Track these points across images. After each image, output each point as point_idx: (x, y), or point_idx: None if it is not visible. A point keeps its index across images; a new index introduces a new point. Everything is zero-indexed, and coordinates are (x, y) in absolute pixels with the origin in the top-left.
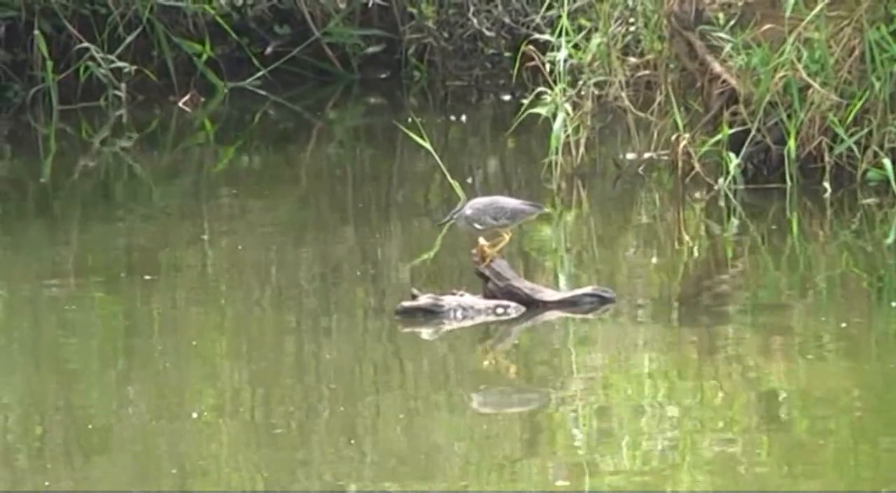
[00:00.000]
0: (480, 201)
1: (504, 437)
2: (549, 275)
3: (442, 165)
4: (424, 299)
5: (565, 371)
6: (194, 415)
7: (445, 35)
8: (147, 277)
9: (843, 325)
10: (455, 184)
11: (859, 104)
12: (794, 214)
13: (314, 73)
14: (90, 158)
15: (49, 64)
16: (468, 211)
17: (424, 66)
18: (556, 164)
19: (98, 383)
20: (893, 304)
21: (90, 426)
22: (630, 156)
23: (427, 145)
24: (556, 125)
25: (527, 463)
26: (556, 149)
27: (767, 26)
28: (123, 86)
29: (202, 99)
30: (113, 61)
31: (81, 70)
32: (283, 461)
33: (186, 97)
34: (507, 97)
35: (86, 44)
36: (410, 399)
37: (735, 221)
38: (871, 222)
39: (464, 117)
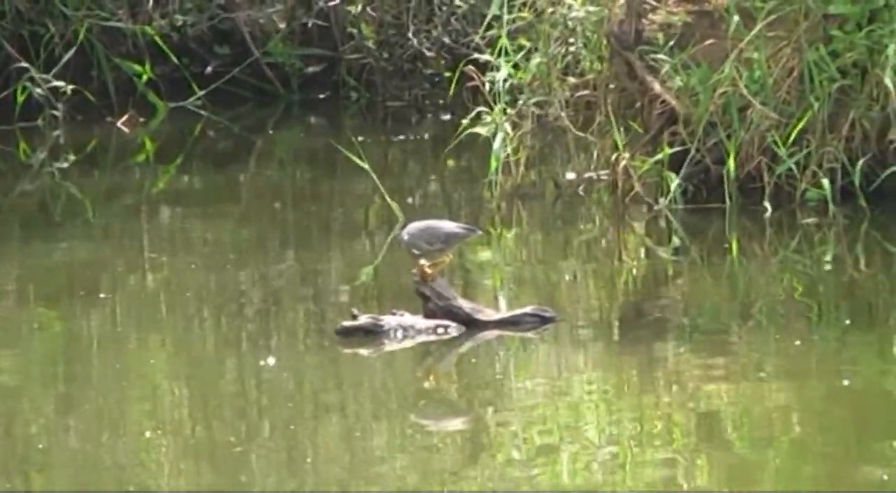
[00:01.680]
0: (415, 226)
1: (444, 455)
2: (490, 295)
3: (381, 187)
4: (364, 319)
5: (505, 390)
6: (147, 434)
7: (385, 55)
8: (88, 297)
9: (784, 344)
10: (394, 205)
11: (799, 124)
12: (734, 233)
13: (254, 93)
14: (28, 179)
15: None
16: (405, 236)
17: (363, 86)
18: (496, 183)
19: (38, 404)
20: (847, 321)
21: (40, 446)
22: (570, 175)
23: (366, 166)
24: (496, 145)
25: (466, 480)
26: (496, 169)
27: (707, 45)
28: (61, 106)
29: (142, 119)
30: (50, 81)
31: (19, 90)
32: (225, 482)
33: (125, 118)
34: (447, 117)
35: (24, 64)
36: (351, 419)
37: (675, 241)
38: (810, 242)
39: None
